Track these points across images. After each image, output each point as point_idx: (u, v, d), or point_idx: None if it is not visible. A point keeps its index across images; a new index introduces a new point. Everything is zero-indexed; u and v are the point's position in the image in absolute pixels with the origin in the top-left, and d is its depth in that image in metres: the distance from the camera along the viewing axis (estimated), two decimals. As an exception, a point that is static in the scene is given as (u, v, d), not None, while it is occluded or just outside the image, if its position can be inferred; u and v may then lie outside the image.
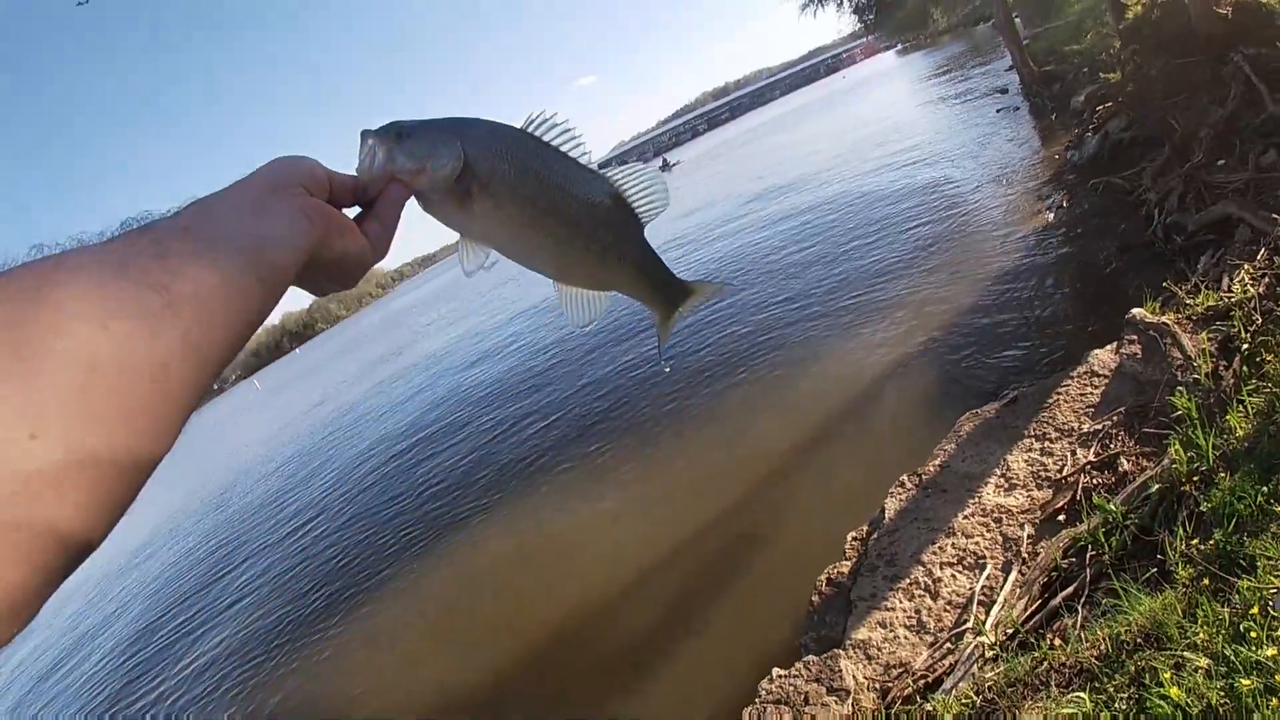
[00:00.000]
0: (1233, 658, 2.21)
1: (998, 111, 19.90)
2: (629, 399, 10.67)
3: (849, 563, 4.96)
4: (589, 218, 0.80)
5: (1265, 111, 6.10)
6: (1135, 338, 5.24)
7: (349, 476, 14.39)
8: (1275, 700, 2.00)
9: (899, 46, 79.45)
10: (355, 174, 0.71)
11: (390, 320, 68.14)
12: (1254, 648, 2.18)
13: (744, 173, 33.52)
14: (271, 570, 11.16)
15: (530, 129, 0.79)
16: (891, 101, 36.72)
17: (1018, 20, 23.29)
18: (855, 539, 5.14)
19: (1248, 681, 2.08)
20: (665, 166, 75.35)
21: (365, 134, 0.72)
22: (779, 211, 19.48)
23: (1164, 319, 5.08)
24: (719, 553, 6.24)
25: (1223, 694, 2.13)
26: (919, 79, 42.44)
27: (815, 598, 4.75)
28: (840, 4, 16.91)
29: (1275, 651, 2.12)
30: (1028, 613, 3.50)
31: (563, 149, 0.80)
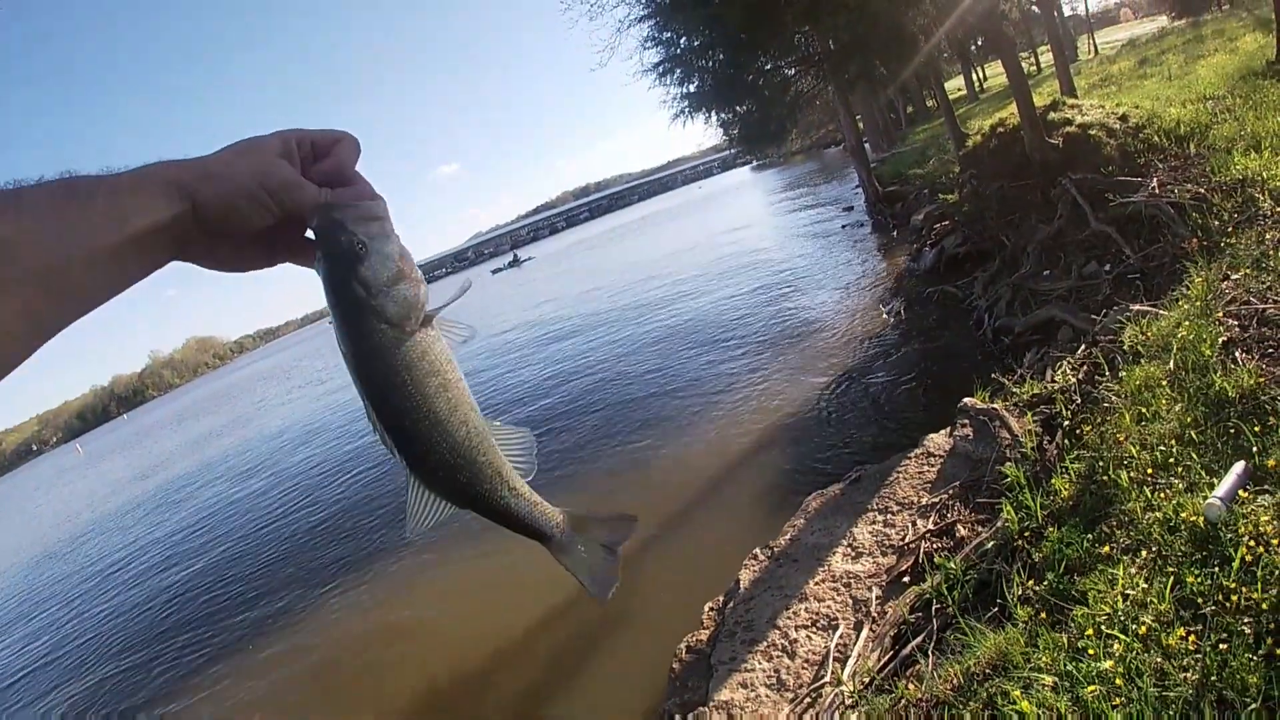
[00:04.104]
0: (1075, 673, 2.45)
1: (843, 227, 22.11)
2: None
3: (707, 631, 5.13)
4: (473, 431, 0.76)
5: (1089, 228, 7.26)
6: (967, 422, 5.86)
7: (173, 550, 13.83)
8: (1118, 700, 2.23)
9: (754, 163, 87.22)
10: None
11: (223, 393, 65.68)
12: (1093, 662, 2.44)
13: (596, 272, 35.40)
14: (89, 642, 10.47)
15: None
16: (745, 212, 40.24)
17: (867, 145, 26.30)
18: (712, 609, 5.34)
19: (1092, 688, 2.31)
20: (516, 262, 77.42)
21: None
22: (628, 313, 20.59)
23: (993, 405, 5.73)
24: (578, 626, 6.34)
25: (1070, 703, 2.34)
26: (772, 193, 46.85)
27: (676, 665, 4.87)
28: (708, 117, 18.65)
29: (1113, 663, 2.38)
30: (882, 663, 3.71)
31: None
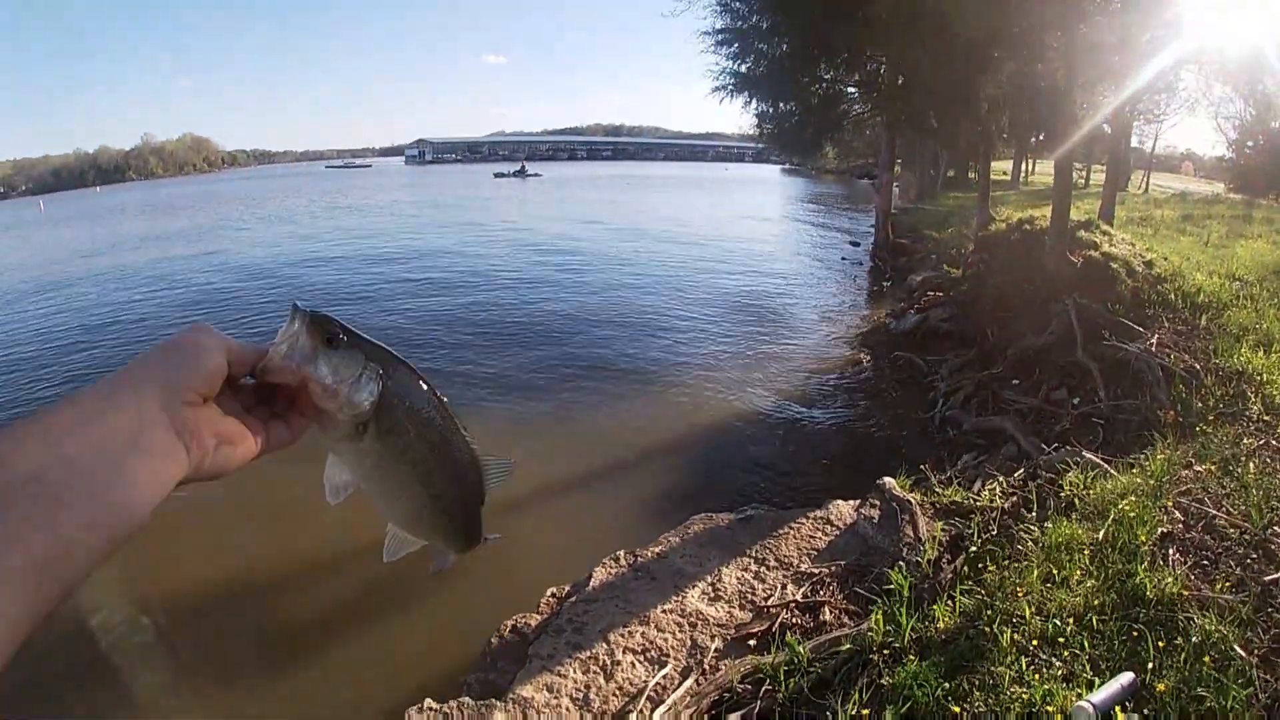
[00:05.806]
0: None
1: (843, 259, 21.98)
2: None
3: (539, 616, 4.86)
4: (454, 490, 0.83)
5: (1073, 356, 7.00)
6: (878, 503, 5.56)
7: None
8: None
9: (785, 165, 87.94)
10: (267, 349, 0.65)
11: (207, 197, 64.31)
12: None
13: (596, 212, 35.56)
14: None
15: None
16: (760, 208, 40.70)
17: (896, 189, 25.97)
18: (554, 595, 5.07)
19: None
20: (521, 173, 78.73)
21: (296, 313, 0.67)
22: (606, 263, 20.61)
23: (910, 496, 5.43)
24: (412, 568, 5.93)
25: None
26: (792, 200, 47.23)
27: (494, 640, 4.64)
28: (748, 102, 18.14)
29: None
30: (689, 727, 3.39)
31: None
